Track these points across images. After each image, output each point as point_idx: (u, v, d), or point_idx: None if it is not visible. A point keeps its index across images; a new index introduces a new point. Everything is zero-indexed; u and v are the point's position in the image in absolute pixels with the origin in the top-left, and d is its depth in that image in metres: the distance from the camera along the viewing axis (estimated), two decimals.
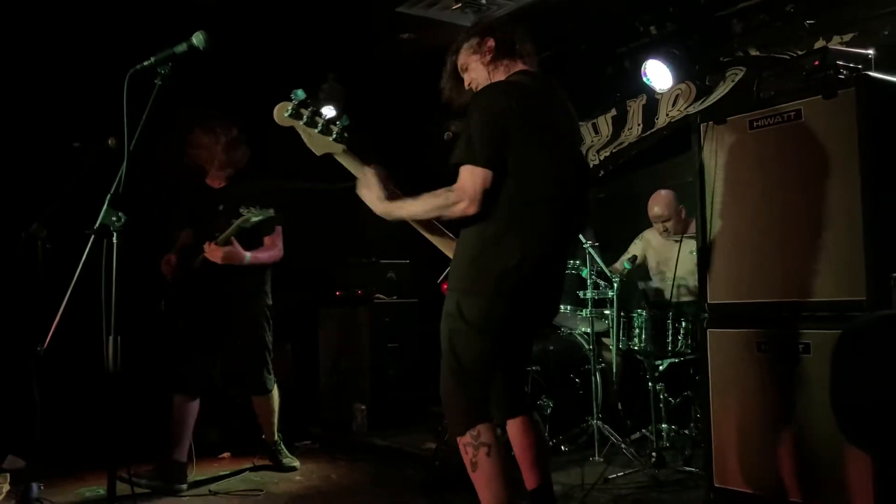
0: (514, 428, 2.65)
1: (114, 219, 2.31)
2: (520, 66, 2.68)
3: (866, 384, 1.09)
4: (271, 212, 3.76)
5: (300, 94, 2.68)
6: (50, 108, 4.73)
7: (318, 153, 2.71)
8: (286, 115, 2.69)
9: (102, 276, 2.29)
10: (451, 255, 2.81)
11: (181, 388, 3.93)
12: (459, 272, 2.53)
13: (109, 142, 3.70)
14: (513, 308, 2.49)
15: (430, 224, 2.69)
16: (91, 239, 2.35)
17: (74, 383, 4.47)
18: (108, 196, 2.34)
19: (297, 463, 4.29)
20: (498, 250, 2.46)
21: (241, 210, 3.75)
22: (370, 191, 2.62)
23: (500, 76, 2.66)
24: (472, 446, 2.47)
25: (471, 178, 2.41)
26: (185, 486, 3.81)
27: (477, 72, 2.72)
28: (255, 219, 3.75)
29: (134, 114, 2.42)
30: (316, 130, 2.68)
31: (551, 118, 2.58)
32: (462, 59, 2.77)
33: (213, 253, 3.85)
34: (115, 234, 2.30)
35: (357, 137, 2.74)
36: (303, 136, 2.73)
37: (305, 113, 2.67)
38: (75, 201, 3.59)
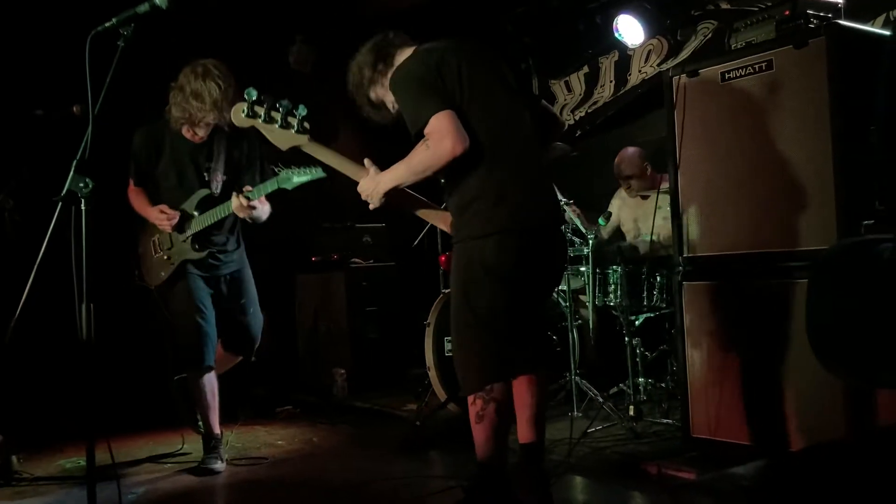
0: (520, 382, 2.63)
1: (81, 185, 2.27)
2: (413, 46, 2.71)
3: (838, 308, 1.11)
4: (320, 171, 3.32)
5: (252, 92, 2.70)
6: (9, 75, 4.60)
7: (283, 148, 2.75)
8: (243, 115, 2.72)
9: (72, 243, 2.25)
10: (436, 223, 2.83)
11: (188, 364, 3.71)
12: (462, 223, 2.54)
13: (74, 109, 3.61)
14: (522, 246, 2.49)
15: (412, 198, 2.71)
16: (59, 206, 2.31)
17: (51, 354, 4.43)
18: (74, 162, 2.30)
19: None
20: (489, 192, 2.47)
21: (276, 168, 3.41)
22: (365, 178, 2.63)
23: None
24: (482, 399, 2.49)
25: (441, 121, 2.38)
26: (218, 463, 3.62)
27: (389, 94, 2.68)
28: (297, 179, 3.37)
29: (98, 78, 2.37)
30: (276, 126, 2.70)
31: (475, 60, 2.58)
32: (375, 95, 2.76)
33: (243, 208, 3.49)
34: (83, 200, 2.26)
35: (320, 123, 2.74)
36: (265, 134, 2.75)
37: (262, 110, 2.70)
38: (43, 171, 3.53)
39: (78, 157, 2.31)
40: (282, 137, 2.69)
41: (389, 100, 2.71)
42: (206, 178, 3.67)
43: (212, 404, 3.70)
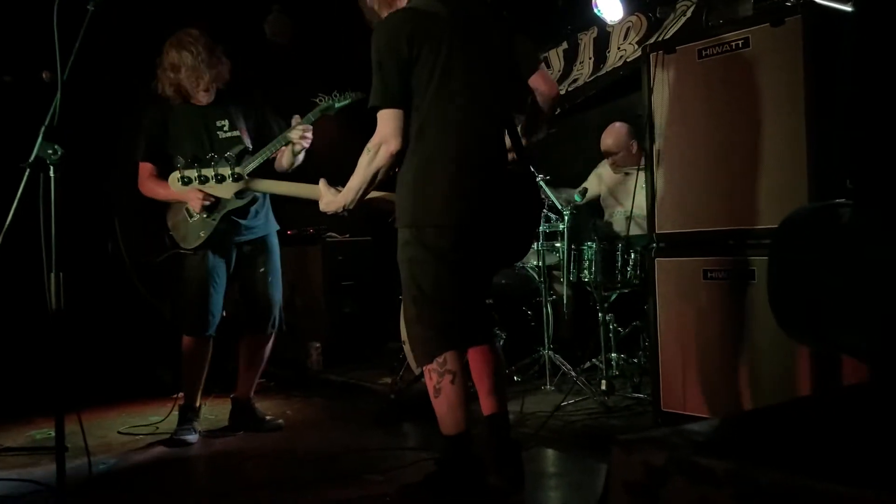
0: (475, 355, 2.67)
1: (49, 152, 2.23)
2: None
3: (798, 274, 1.13)
4: (359, 93, 3.39)
5: (179, 160, 2.94)
6: None
7: (228, 197, 2.82)
8: (180, 185, 2.87)
9: (41, 211, 2.22)
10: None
11: (191, 329, 3.67)
12: (404, 205, 2.56)
13: (44, 75, 3.54)
14: (463, 226, 2.53)
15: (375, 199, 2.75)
16: (27, 173, 2.27)
17: (21, 324, 4.39)
18: (42, 128, 2.26)
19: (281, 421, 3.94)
20: (432, 174, 2.50)
21: (317, 100, 3.47)
22: (326, 198, 2.70)
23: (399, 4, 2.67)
24: (437, 373, 2.51)
25: (383, 121, 2.49)
26: (192, 435, 3.61)
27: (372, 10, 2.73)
28: (338, 104, 3.48)
29: (67, 43, 2.33)
30: (212, 183, 2.86)
31: (461, 34, 2.56)
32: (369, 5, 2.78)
33: (304, 137, 3.49)
34: (51, 167, 2.23)
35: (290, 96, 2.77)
36: (208, 191, 2.93)
37: (193, 175, 2.85)
38: (11, 137, 3.47)
39: (46, 124, 2.28)
40: (223, 190, 2.81)
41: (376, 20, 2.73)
42: (230, 136, 3.64)
43: (201, 375, 3.71)
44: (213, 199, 3.41)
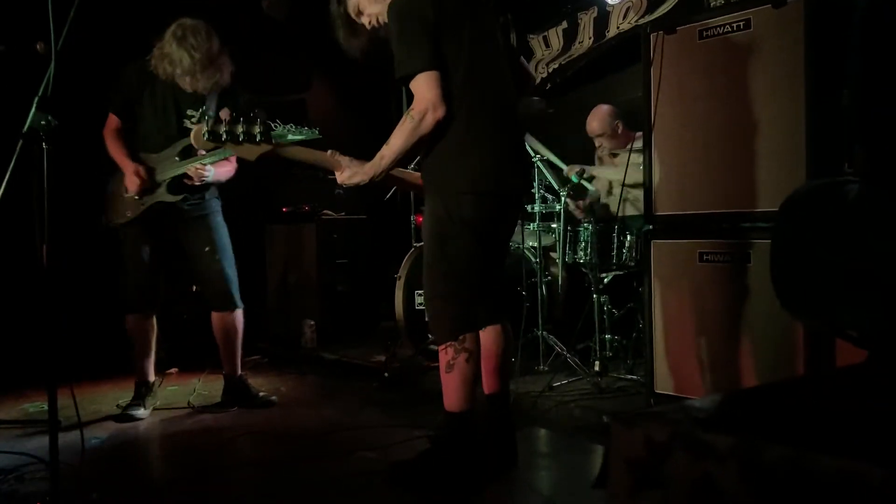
0: (487, 334, 2.67)
1: (43, 122, 2.20)
2: None
3: (802, 251, 1.12)
4: (316, 132, 3.20)
5: (209, 114, 2.72)
6: None
7: (252, 159, 2.74)
8: (206, 139, 2.70)
9: (33, 182, 2.20)
10: (408, 187, 2.83)
11: (132, 306, 3.71)
12: (442, 175, 2.53)
13: (38, 47, 3.49)
14: (496, 208, 2.54)
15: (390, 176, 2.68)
16: (19, 144, 2.24)
17: (12, 296, 4.37)
18: (36, 99, 2.23)
19: (274, 397, 3.96)
20: (472, 143, 2.48)
21: (273, 125, 3.16)
22: (350, 169, 2.59)
23: None
24: (454, 349, 2.51)
25: (425, 84, 2.39)
26: (140, 410, 3.64)
27: (373, 6, 2.65)
28: (292, 137, 3.14)
29: (62, 13, 2.29)
30: (241, 142, 2.69)
31: (472, 9, 2.56)
32: (352, 2, 2.72)
33: (199, 173, 3.55)
34: (44, 138, 2.20)
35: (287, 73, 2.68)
36: (233, 151, 2.75)
37: (223, 130, 2.67)
38: (4, 108, 3.43)
39: (40, 94, 2.25)
40: (248, 151, 2.71)
41: (369, 12, 2.67)
42: (188, 127, 3.61)
43: (148, 351, 3.75)
44: (147, 185, 3.54)
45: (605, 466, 0.86)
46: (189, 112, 3.65)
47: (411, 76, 2.41)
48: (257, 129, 2.67)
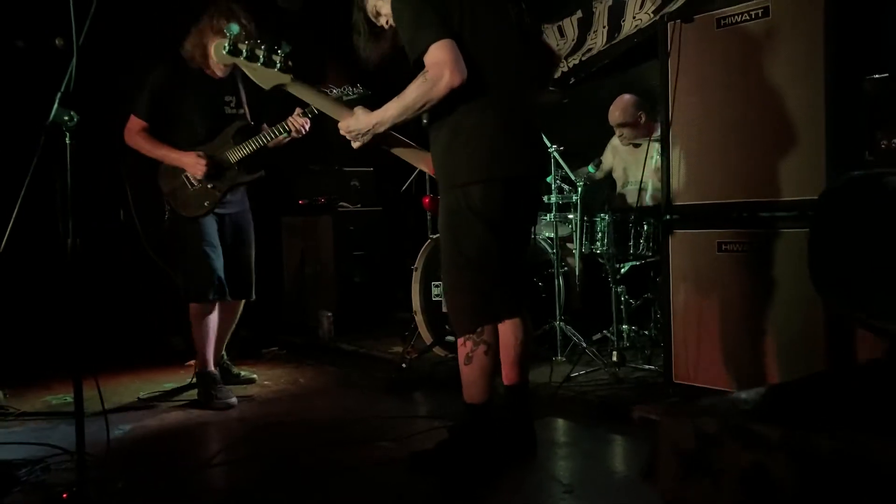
0: (506, 325, 2.66)
1: (66, 118, 2.23)
2: None
3: (842, 241, 1.12)
4: (367, 91, 3.43)
5: (234, 28, 2.65)
6: None
7: (266, 87, 2.69)
8: (224, 52, 2.65)
9: (57, 177, 2.23)
10: (417, 164, 2.81)
11: (212, 294, 3.72)
12: (450, 166, 2.52)
13: (57, 41, 3.52)
14: (507, 194, 2.51)
15: (394, 137, 2.69)
16: (42, 139, 2.27)
17: (38, 289, 4.42)
18: (59, 94, 2.25)
19: (254, 375, 4.21)
20: (478, 132, 2.46)
21: (327, 90, 3.43)
22: (354, 117, 2.58)
23: None
24: (472, 341, 2.52)
25: (440, 51, 2.32)
26: (231, 398, 3.69)
27: (388, 6, 2.59)
28: (346, 98, 3.47)
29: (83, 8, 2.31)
30: (259, 64, 2.63)
31: None
32: (370, 6, 2.70)
33: (303, 130, 3.64)
34: (67, 133, 2.23)
35: (307, 65, 2.67)
36: (247, 72, 2.69)
37: (244, 48, 2.62)
38: (25, 103, 3.47)
39: (62, 90, 2.27)
40: (265, 76, 2.65)
41: (385, 13, 2.65)
42: (235, 112, 3.77)
43: (213, 339, 3.81)
44: (212, 169, 3.60)
45: (653, 456, 0.87)
46: (227, 98, 3.75)
47: (424, 51, 2.34)
48: (279, 58, 2.61)
